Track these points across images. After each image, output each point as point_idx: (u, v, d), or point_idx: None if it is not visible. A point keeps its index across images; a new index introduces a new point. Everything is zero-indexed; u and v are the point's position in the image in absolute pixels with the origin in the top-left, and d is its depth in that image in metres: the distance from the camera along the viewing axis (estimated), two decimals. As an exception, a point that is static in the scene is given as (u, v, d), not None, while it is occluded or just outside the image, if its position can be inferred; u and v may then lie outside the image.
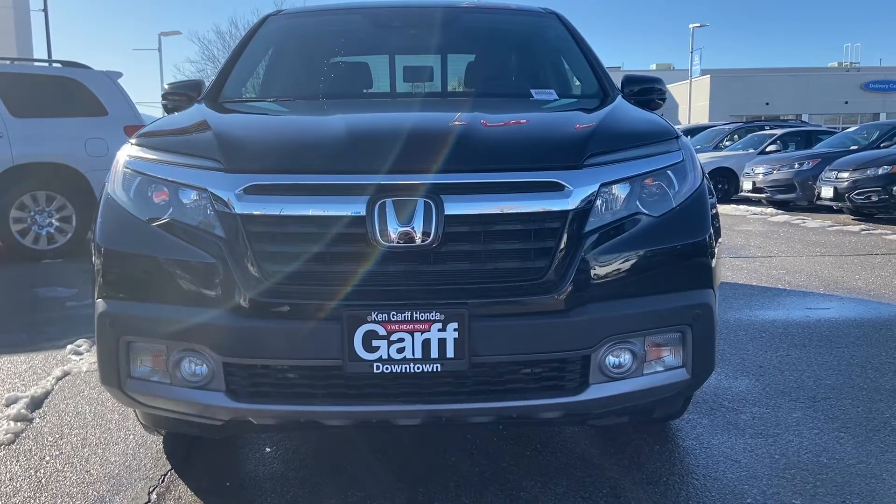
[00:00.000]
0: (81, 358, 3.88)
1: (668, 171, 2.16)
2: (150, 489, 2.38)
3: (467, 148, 2.04)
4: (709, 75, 42.73)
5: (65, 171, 7.41)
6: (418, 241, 1.88)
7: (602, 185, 2.01)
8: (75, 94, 7.63)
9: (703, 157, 16.16)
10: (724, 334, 4.22)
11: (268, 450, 2.67)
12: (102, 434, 2.85)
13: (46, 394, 3.30)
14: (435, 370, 1.88)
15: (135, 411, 2.57)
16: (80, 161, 7.41)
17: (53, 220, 7.52)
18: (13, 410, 3.04)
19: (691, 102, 40.53)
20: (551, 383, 2.01)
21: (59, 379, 3.52)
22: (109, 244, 2.12)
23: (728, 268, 6.60)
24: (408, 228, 1.88)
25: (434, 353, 1.87)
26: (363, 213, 1.89)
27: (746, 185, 14.12)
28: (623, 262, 2.01)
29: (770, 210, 12.98)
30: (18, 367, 3.76)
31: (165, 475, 2.48)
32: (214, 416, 2.06)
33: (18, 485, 2.42)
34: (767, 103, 40.97)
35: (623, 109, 2.63)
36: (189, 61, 49.30)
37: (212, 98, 2.99)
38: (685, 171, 2.20)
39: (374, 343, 1.86)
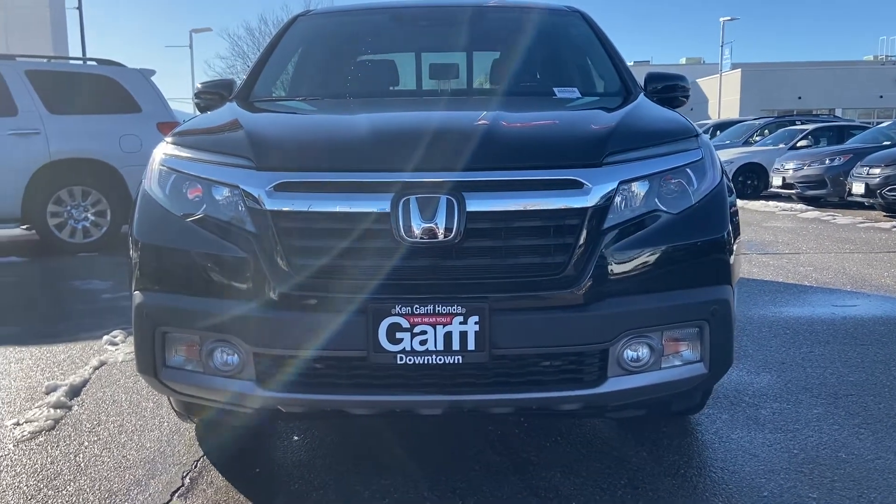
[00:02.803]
0: (117, 348, 4.01)
1: (687, 169, 2.20)
2: (184, 474, 2.48)
3: (488, 146, 2.09)
4: (739, 69, 42.15)
5: (100, 167, 7.62)
6: (441, 237, 1.94)
7: (621, 183, 2.06)
8: (110, 92, 7.82)
9: (733, 153, 16.02)
10: (748, 330, 4.23)
11: (295, 438, 2.76)
12: (138, 421, 2.97)
13: (84, 382, 3.43)
14: (456, 362, 1.94)
15: (169, 399, 2.67)
16: (114, 157, 7.61)
17: (89, 215, 7.72)
18: (53, 398, 3.17)
19: (721, 97, 40.02)
20: (570, 376, 2.06)
21: (96, 368, 3.65)
22: (146, 238, 2.21)
23: (755, 264, 6.57)
24: (430, 224, 1.94)
25: (455, 346, 1.93)
26: (388, 209, 1.96)
27: (776, 180, 13.97)
28: (641, 258, 2.06)
29: (800, 206, 12.82)
30: (57, 357, 3.90)
31: (198, 461, 2.58)
32: (245, 404, 2.15)
33: (59, 468, 2.54)
34: (800, 97, 40.34)
35: (644, 108, 2.67)
36: (219, 57, 50.07)
37: (243, 97, 3.08)
38: (704, 169, 2.24)
39: (398, 335, 1.93)
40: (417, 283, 1.97)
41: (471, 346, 1.93)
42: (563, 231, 2.00)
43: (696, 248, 2.15)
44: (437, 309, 1.92)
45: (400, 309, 1.93)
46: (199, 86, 3.28)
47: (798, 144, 15.48)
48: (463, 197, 1.96)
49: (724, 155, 15.55)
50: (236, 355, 2.07)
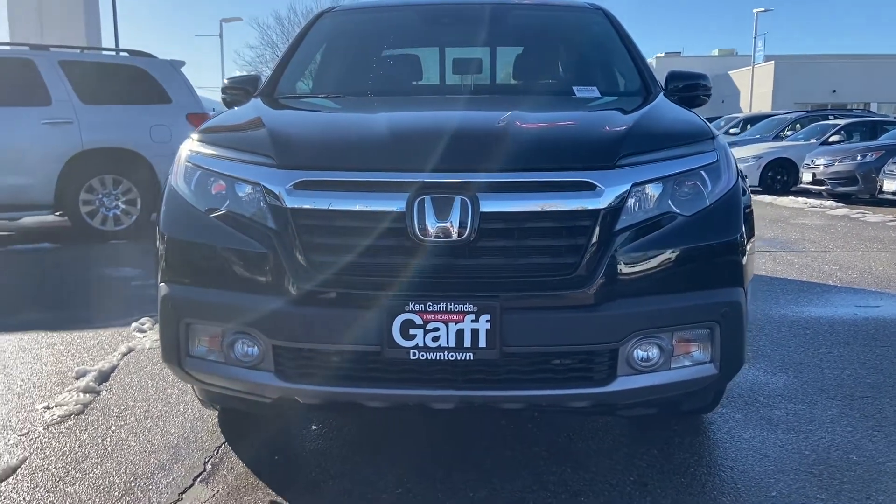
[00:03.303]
0: (145, 335, 4.12)
1: (702, 172, 2.21)
2: (206, 459, 2.57)
3: (503, 148, 2.13)
4: (773, 61, 41.45)
5: (131, 157, 7.78)
6: (454, 237, 1.99)
7: (634, 185, 2.08)
8: (141, 83, 7.98)
9: (763, 147, 15.80)
10: (767, 330, 4.22)
11: (314, 428, 2.83)
12: (163, 407, 3.06)
13: (113, 368, 3.54)
14: (467, 358, 1.99)
15: (192, 387, 2.76)
16: (145, 147, 7.77)
17: (120, 203, 7.90)
18: (82, 383, 3.28)
19: (753, 89, 39.44)
20: (579, 374, 2.10)
21: (124, 355, 3.76)
22: (172, 232, 2.29)
23: (779, 262, 6.53)
24: (445, 224, 1.99)
25: (467, 343, 1.98)
26: (404, 208, 2.01)
27: (806, 176, 13.77)
28: (653, 260, 2.08)
29: (830, 203, 12.64)
30: (87, 343, 4.03)
31: (220, 447, 2.66)
32: (264, 394, 2.22)
33: (87, 451, 2.64)
34: (834, 91, 39.57)
35: (661, 108, 2.68)
36: (249, 47, 50.70)
37: (267, 94, 3.14)
38: (719, 171, 2.25)
39: (412, 331, 1.98)
40: (431, 281, 2.02)
41: (482, 343, 1.98)
42: (576, 232, 2.03)
43: (709, 250, 2.17)
44: (449, 307, 1.97)
45: (413, 306, 1.98)
46: (226, 81, 3.35)
47: (829, 140, 15.24)
48: (477, 198, 2.00)
49: (753, 150, 15.40)
50: (256, 347, 2.14)
